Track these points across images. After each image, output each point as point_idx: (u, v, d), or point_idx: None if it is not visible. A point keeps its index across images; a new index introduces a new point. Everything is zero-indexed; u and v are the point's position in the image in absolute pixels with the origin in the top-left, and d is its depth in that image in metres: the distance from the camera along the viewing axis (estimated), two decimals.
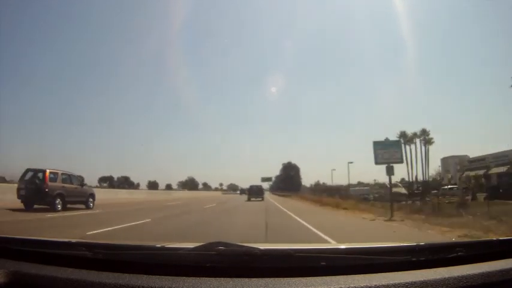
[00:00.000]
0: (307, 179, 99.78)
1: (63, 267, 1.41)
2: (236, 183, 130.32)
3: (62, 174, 15.22)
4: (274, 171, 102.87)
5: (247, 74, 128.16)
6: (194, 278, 1.29)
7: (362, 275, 1.32)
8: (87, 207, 16.29)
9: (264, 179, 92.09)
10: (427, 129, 56.72)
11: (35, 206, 14.23)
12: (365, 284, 1.25)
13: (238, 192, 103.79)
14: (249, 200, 34.43)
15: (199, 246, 1.48)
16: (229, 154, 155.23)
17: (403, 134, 56.24)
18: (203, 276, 1.30)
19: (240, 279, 1.29)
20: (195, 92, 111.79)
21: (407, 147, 56.43)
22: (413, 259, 1.44)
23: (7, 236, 1.75)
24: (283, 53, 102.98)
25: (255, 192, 36.66)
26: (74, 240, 1.68)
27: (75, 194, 15.67)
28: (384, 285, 1.25)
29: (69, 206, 15.06)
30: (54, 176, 14.65)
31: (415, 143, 57.62)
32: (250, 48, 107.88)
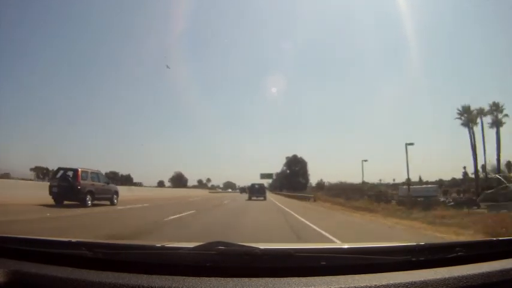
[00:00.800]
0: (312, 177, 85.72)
1: (63, 266, 1.41)
2: (233, 182, 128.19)
3: (91, 172, 16.15)
4: (275, 169, 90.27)
5: (246, 73, 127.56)
6: (194, 277, 1.29)
7: (362, 275, 1.32)
8: (112, 204, 17.06)
9: (264, 176, 79.86)
10: (501, 104, 37.46)
11: (65, 202, 15.02)
12: (365, 284, 1.26)
13: (237, 190, 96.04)
14: (249, 199, 32.63)
15: (199, 245, 1.48)
16: (227, 152, 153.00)
17: (466, 110, 38.52)
18: (203, 276, 1.30)
19: (240, 279, 1.29)
20: (192, 89, 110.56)
21: (470, 129, 38.66)
22: (413, 259, 1.44)
23: (7, 235, 1.75)
24: (283, 52, 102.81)
25: (256, 191, 34.55)
26: (74, 240, 1.69)
27: (102, 191, 16.56)
28: (383, 285, 1.25)
29: (95, 202, 15.86)
30: (85, 174, 15.52)
31: (481, 122, 38.45)
32: (250, 48, 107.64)
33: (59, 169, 15.86)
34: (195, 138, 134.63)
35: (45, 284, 1.33)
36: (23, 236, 1.82)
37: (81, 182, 14.92)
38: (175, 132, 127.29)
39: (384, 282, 1.26)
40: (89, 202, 15.09)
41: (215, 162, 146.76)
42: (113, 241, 1.92)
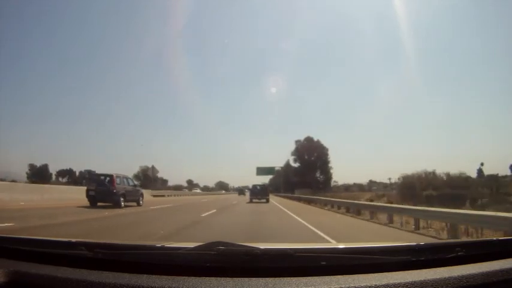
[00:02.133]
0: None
1: (63, 266, 1.41)
2: (226, 182, 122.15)
3: (123, 177, 18.36)
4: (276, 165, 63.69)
5: (242, 70, 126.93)
6: (194, 277, 1.29)
7: (362, 275, 1.32)
8: (138, 205, 18.92)
9: (262, 171, 53.29)
10: None
11: (98, 204, 16.71)
12: (365, 284, 1.25)
13: (223, 191, 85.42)
14: (250, 201, 29.27)
15: (200, 246, 1.49)
16: (221, 152, 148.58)
17: None
18: (203, 276, 1.30)
19: (240, 279, 1.29)
20: (184, 86, 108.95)
21: None
22: (413, 259, 1.44)
23: (7, 235, 1.75)
24: (274, 47, 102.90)
25: (258, 192, 31.20)
26: (74, 240, 1.68)
27: (132, 194, 18.54)
28: (383, 285, 1.25)
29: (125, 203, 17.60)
30: (119, 179, 17.61)
31: None
32: (246, 45, 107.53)
33: (94, 175, 18.32)
34: (186, 136, 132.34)
35: (45, 284, 1.33)
36: (23, 236, 1.82)
37: (116, 186, 16.96)
38: (164, 130, 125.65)
39: (384, 282, 1.26)
40: (122, 204, 16.86)
41: (207, 161, 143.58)
42: (113, 241, 1.91)
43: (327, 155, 54.56)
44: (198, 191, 67.98)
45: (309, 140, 55.45)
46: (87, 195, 17.04)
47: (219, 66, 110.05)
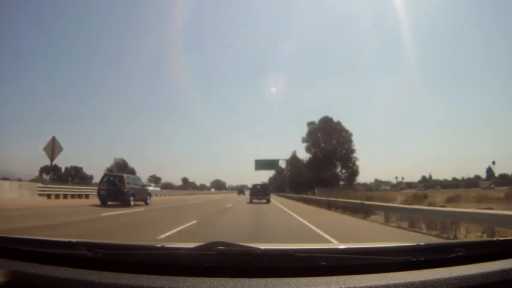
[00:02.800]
0: None
1: (63, 267, 1.41)
2: (223, 180, 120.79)
3: (133, 177, 19.68)
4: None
5: (238, 69, 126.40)
6: (194, 278, 1.29)
7: (362, 275, 1.32)
8: (146, 204, 19.55)
9: (261, 165, 42.57)
10: None
11: (108, 203, 17.39)
12: (365, 284, 1.25)
13: (211, 190, 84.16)
14: (250, 201, 28.13)
15: (200, 246, 1.49)
16: (220, 151, 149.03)
17: None
18: (203, 276, 1.30)
19: (240, 279, 1.28)
20: (178, 84, 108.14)
21: None
22: (413, 259, 1.44)
23: (7, 235, 1.75)
24: (281, 52, 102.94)
25: (258, 192, 30.00)
26: (74, 240, 1.68)
27: (140, 193, 19.25)
28: (383, 285, 1.25)
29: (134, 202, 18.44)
30: (129, 179, 18.47)
31: None
32: (250, 47, 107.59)
33: (105, 175, 19.17)
34: (184, 135, 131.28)
35: (45, 284, 1.32)
36: (23, 236, 1.82)
37: (127, 185, 17.61)
38: (162, 129, 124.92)
39: (384, 283, 1.26)
40: (132, 203, 17.43)
41: (205, 160, 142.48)
42: (113, 241, 1.91)
43: (350, 141, 38.86)
44: (157, 189, 49.82)
45: (326, 121, 38.40)
46: (99, 195, 17.71)
47: (219, 67, 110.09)
